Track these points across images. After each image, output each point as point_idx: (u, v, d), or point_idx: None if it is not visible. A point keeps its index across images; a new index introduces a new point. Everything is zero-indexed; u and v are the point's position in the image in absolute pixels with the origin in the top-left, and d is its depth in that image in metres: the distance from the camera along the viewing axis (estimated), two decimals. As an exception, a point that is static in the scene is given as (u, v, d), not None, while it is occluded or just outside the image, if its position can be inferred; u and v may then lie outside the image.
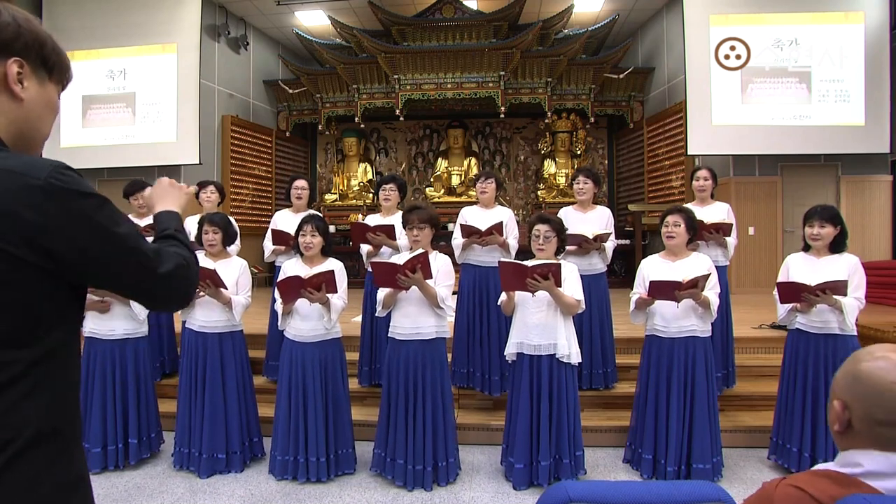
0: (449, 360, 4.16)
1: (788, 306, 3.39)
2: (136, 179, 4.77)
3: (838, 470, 1.04)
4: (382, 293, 3.29)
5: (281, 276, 3.42)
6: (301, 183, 4.61)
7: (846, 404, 1.07)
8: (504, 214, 4.16)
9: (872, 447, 1.03)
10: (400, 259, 3.29)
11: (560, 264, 3.10)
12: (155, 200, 1.33)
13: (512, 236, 4.09)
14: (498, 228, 3.95)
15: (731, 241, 4.16)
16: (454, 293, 4.32)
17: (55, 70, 1.06)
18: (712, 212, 4.25)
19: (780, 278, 3.45)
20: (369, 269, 4.10)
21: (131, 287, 1.05)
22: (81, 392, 3.49)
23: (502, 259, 3.34)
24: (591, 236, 4.04)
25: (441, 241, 8.44)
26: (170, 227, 1.21)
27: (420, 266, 3.08)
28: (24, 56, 1.00)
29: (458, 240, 4.11)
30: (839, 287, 3.16)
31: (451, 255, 3.53)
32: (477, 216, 4.18)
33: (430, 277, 3.16)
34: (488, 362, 4.08)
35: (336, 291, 3.27)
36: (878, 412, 1.02)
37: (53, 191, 0.90)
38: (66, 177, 0.92)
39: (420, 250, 3.22)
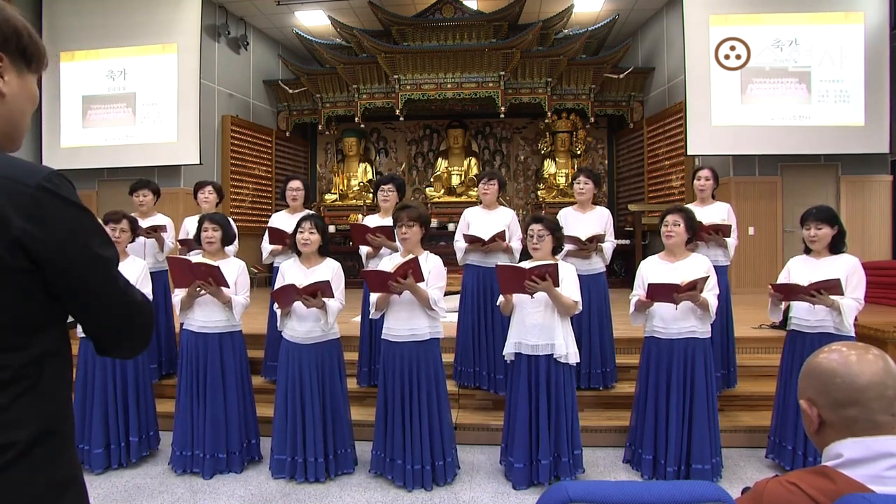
0: (453, 359, 4.18)
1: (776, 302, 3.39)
2: (141, 179, 4.76)
3: (824, 464, 1.09)
4: (375, 295, 3.30)
5: (279, 278, 3.43)
6: (295, 184, 4.50)
7: (811, 400, 1.14)
8: (507, 216, 4.17)
9: (847, 435, 1.08)
10: (391, 262, 3.29)
11: (557, 264, 3.11)
12: None
13: (516, 238, 4.09)
14: (501, 236, 3.96)
15: (732, 241, 4.16)
16: (457, 293, 4.33)
17: (33, 60, 0.99)
18: (712, 212, 4.24)
19: (781, 280, 3.45)
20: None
21: (99, 313, 0.99)
22: (81, 393, 3.51)
23: (500, 263, 3.34)
24: (584, 238, 4.04)
25: (440, 240, 8.47)
26: None
27: (411, 272, 3.08)
28: (4, 49, 0.93)
29: (460, 242, 4.12)
30: (832, 286, 3.13)
31: (447, 253, 3.53)
32: (480, 218, 4.18)
33: (422, 280, 3.16)
34: (493, 361, 4.09)
35: (332, 297, 3.26)
36: (836, 392, 1.09)
37: (44, 198, 0.87)
38: (58, 186, 0.89)
39: (410, 256, 3.23)
